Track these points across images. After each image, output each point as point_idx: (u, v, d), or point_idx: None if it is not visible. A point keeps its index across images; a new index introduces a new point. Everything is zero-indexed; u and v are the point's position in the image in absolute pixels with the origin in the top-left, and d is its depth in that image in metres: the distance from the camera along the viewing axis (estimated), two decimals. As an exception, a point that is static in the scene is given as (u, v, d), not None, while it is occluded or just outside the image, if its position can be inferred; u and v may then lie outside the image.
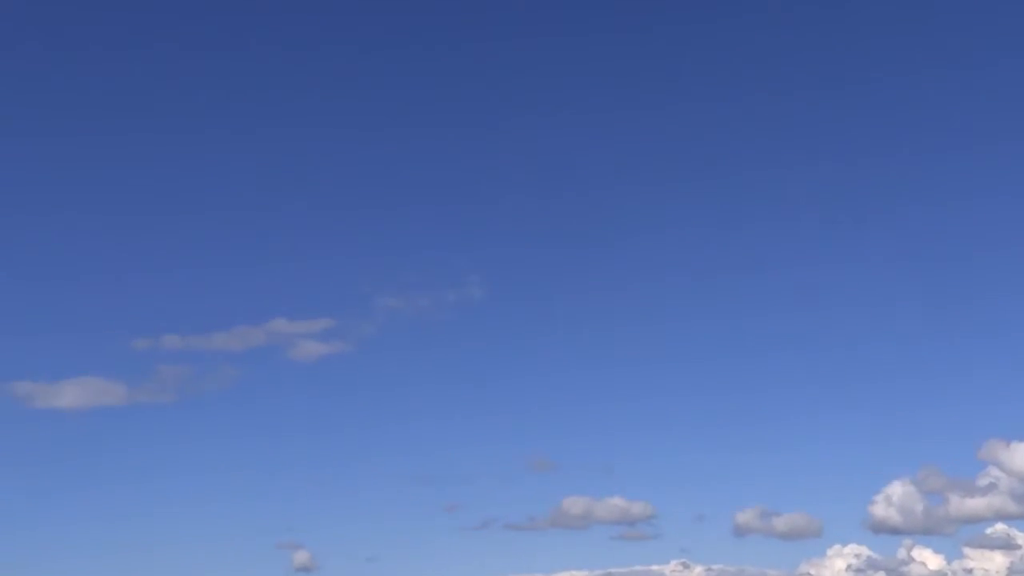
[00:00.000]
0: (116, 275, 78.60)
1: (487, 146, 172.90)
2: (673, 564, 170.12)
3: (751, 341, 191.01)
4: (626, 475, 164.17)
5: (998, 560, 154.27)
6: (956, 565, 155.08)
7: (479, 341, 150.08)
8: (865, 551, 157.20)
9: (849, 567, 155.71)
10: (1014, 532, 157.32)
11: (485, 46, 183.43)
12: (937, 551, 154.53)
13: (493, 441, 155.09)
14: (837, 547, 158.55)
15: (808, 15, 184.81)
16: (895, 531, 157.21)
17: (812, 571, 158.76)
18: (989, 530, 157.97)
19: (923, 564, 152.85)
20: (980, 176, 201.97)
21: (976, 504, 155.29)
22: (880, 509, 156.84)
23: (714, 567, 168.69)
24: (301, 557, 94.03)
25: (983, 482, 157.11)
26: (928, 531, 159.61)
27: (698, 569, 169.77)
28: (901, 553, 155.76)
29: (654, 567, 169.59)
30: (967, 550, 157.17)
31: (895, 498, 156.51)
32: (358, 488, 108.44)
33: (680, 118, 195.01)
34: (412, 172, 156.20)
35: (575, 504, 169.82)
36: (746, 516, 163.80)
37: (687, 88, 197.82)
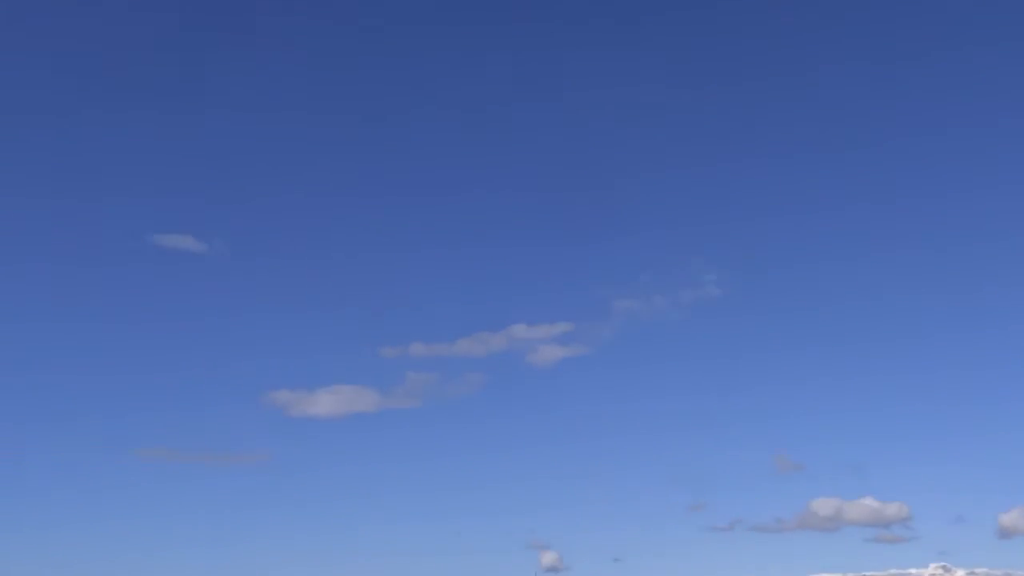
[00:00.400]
0: (365, 289, 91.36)
1: (724, 149, 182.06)
2: (932, 567, 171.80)
3: (1011, 332, 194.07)
4: (878, 475, 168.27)
5: None
6: None
7: (717, 340, 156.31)
8: None
9: None
10: None
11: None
12: None
13: (738, 442, 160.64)
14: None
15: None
16: None
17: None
18: None
19: None
20: None
21: None
22: None
23: (977, 571, 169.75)
24: (549, 557, 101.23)
25: None
26: None
27: (960, 573, 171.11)
28: None
29: (911, 570, 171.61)
30: None
31: None
32: (605, 489, 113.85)
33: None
34: (646, 176, 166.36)
35: (824, 505, 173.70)
36: (1011, 517, 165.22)
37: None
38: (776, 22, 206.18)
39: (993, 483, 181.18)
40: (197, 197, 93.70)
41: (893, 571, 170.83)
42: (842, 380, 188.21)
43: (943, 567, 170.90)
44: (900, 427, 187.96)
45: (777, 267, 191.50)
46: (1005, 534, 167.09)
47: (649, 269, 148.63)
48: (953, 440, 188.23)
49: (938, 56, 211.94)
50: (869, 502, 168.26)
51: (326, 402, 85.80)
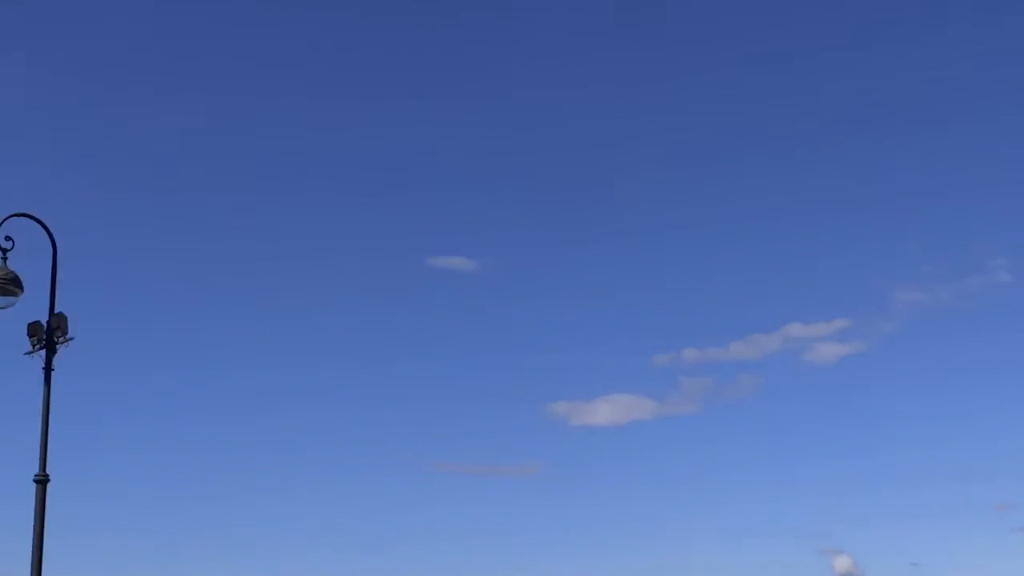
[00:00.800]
0: (636, 297, 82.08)
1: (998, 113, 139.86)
2: None
3: None
4: None
5: None
6: None
7: (1011, 328, 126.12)
8: None
9: None
10: None
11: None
12: None
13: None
14: None
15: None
16: None
17: None
18: None
19: None
20: None
21: None
22: None
23: None
24: (843, 562, 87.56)
25: None
26: None
27: None
28: None
29: None
30: None
31: None
32: (900, 490, 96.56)
33: None
34: (912, 154, 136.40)
35: None
36: None
37: None
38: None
39: None
40: (467, 219, 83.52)
41: None
42: None
43: None
44: None
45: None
46: None
47: (930, 257, 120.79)
48: None
49: None
50: None
51: (603, 411, 77.05)
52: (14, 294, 18.86)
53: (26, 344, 19.16)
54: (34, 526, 18.65)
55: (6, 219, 19.02)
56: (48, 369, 19.07)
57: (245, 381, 68.03)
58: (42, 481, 18.78)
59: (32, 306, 19.48)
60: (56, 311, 19.20)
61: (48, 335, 19.06)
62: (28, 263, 19.46)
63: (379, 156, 75.99)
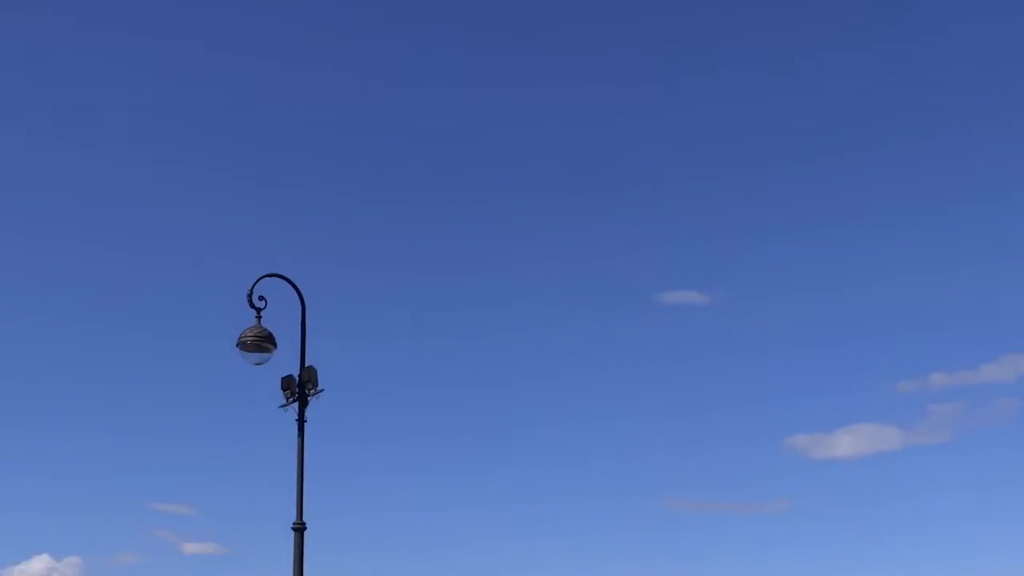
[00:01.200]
0: (875, 322, 77.84)
1: None
2: None
3: None
4: None
5: None
6: None
7: None
8: None
9: None
10: None
11: None
12: None
13: None
14: None
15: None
16: None
17: None
18: None
19: None
20: None
21: None
22: None
23: None
24: None
25: None
26: None
27: None
28: None
29: None
30: None
31: None
32: None
33: None
34: None
35: None
36: None
37: None
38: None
39: None
40: (694, 253, 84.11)
41: None
42: None
43: None
44: None
45: None
46: None
47: None
48: None
49: None
50: None
51: (845, 443, 74.03)
52: (268, 351, 19.75)
53: (280, 397, 19.89)
54: (294, 573, 19.39)
55: (258, 280, 19.98)
56: (301, 420, 19.75)
57: (478, 405, 69.00)
58: (299, 529, 19.45)
59: (285, 360, 20.32)
60: (307, 364, 19.85)
61: (300, 388, 19.75)
62: (280, 319, 20.42)
63: (611, 192, 76.03)
